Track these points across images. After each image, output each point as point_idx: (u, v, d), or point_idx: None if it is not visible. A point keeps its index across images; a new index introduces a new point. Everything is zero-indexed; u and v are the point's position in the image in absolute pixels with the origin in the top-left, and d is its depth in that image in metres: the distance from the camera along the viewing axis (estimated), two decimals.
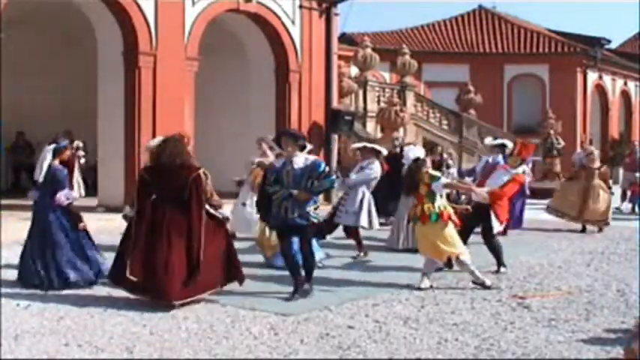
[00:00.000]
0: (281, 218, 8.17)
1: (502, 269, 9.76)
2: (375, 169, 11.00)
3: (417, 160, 9.18)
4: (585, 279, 9.56)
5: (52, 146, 8.67)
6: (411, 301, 8.13)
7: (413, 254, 10.97)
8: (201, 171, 7.71)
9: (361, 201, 10.83)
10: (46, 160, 8.54)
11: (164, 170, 7.70)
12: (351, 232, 11.09)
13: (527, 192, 14.32)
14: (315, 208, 8.17)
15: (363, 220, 10.83)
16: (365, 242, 11.19)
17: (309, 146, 8.63)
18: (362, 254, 10.90)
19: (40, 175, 8.54)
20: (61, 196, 8.45)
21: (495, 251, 9.82)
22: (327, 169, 8.35)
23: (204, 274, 7.59)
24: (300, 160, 8.18)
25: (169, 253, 7.52)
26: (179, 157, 7.68)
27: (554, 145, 25.61)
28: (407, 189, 9.17)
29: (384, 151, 11.64)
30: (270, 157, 10.44)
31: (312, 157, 8.37)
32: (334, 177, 8.51)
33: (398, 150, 13.73)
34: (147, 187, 7.78)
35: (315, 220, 8.20)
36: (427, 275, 8.77)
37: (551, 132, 26.76)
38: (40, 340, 6.50)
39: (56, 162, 8.59)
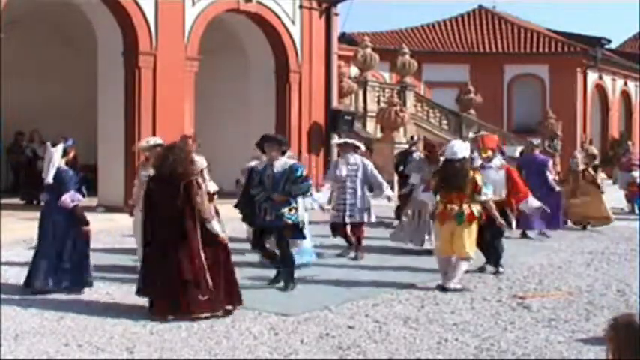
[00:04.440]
0: (260, 219, 8.68)
1: (500, 269, 9.77)
2: (368, 163, 11.34)
3: (463, 159, 8.82)
4: (585, 279, 9.56)
5: (61, 146, 8.38)
6: (411, 301, 8.13)
7: (415, 255, 11.01)
8: (193, 179, 7.31)
9: (367, 198, 11.08)
10: (54, 161, 8.27)
11: (166, 179, 7.36)
12: (358, 229, 11.08)
13: (557, 188, 13.80)
14: (291, 210, 8.60)
15: (373, 216, 11.19)
16: (366, 242, 11.21)
17: (289, 152, 9.13)
18: (359, 254, 10.95)
19: (49, 177, 8.26)
20: (67, 198, 8.16)
21: (497, 250, 9.83)
22: (304, 173, 8.81)
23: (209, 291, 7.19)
24: (280, 164, 8.68)
25: (170, 266, 7.21)
26: (181, 165, 7.32)
27: (552, 145, 25.70)
28: (447, 186, 8.75)
29: (363, 147, 11.76)
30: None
31: (290, 162, 8.86)
32: (310, 182, 8.98)
33: (413, 149, 13.75)
34: (153, 197, 7.49)
35: (290, 221, 8.63)
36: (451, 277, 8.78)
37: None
38: (40, 340, 6.49)
39: (62, 163, 8.34)
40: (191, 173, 7.38)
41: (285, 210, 8.57)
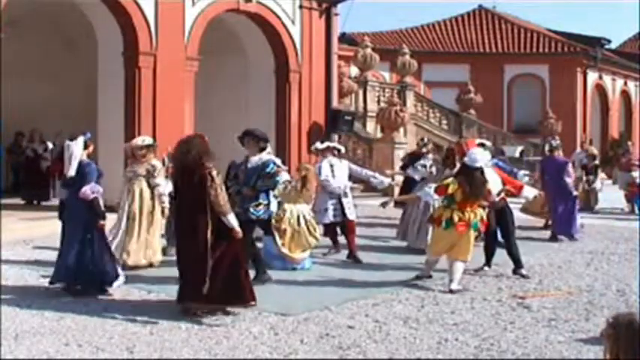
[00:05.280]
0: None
1: (523, 271, 9.60)
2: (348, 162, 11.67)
3: (481, 167, 8.79)
4: (585, 279, 9.56)
5: (81, 139, 8.22)
6: (411, 301, 8.14)
7: (415, 255, 11.00)
8: (207, 170, 7.15)
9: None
10: (76, 154, 8.10)
11: (189, 171, 7.23)
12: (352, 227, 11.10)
13: (574, 193, 13.52)
14: (257, 205, 8.77)
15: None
16: (366, 242, 11.22)
17: (268, 148, 9.25)
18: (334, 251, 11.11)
19: (71, 170, 8.07)
20: (87, 190, 7.96)
21: (517, 250, 9.77)
22: (275, 169, 8.92)
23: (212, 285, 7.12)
24: (255, 159, 8.85)
25: (186, 257, 7.28)
26: (205, 155, 7.19)
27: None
28: (471, 195, 8.61)
29: (342, 149, 11.89)
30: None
31: (265, 157, 8.94)
32: (278, 178, 9.13)
33: (424, 150, 13.86)
34: (178, 193, 7.48)
35: (254, 217, 8.77)
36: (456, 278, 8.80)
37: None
38: (40, 340, 6.50)
39: (84, 156, 8.20)
40: (205, 165, 7.20)
41: (252, 205, 8.75)
